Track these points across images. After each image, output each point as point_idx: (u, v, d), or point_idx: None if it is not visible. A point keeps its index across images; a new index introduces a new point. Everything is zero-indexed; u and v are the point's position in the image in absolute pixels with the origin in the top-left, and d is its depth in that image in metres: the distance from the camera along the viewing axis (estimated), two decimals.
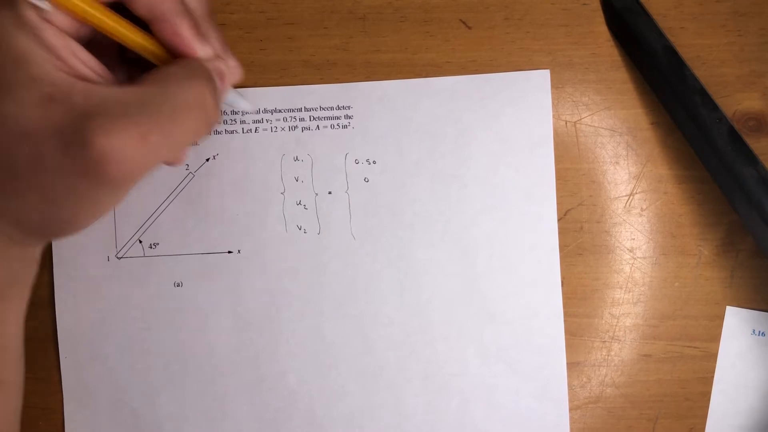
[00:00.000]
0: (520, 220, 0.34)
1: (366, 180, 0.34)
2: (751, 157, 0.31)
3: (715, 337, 0.35)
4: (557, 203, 0.34)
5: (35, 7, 0.23)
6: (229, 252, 0.34)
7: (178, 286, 0.34)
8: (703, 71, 0.34)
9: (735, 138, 0.32)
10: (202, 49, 0.26)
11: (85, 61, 0.24)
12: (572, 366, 0.35)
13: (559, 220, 0.34)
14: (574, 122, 0.35)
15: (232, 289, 0.34)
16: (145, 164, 0.23)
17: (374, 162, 0.34)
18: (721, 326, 0.35)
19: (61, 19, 0.23)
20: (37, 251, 0.27)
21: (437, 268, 0.34)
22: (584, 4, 0.35)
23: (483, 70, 0.35)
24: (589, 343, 0.35)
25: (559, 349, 0.34)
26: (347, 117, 0.34)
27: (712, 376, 0.35)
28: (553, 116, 0.34)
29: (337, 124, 0.34)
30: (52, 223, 0.25)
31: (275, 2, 0.35)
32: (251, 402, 0.34)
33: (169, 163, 0.28)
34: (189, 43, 0.25)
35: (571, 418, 0.34)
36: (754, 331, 0.34)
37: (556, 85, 0.35)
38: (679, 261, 0.35)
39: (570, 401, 0.34)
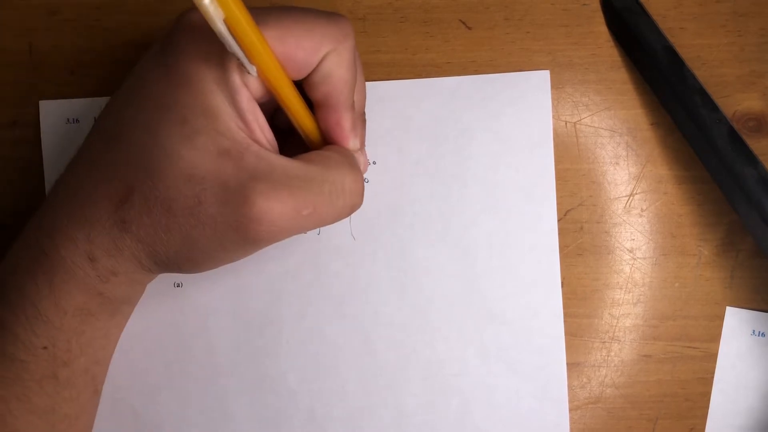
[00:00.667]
0: (520, 220, 0.34)
1: (366, 180, 0.34)
2: (751, 157, 0.31)
3: (715, 338, 0.35)
4: (557, 203, 0.34)
5: (241, 71, 0.24)
6: None
7: (178, 286, 0.34)
8: (703, 71, 0.34)
9: (735, 138, 0.32)
10: (353, 142, 0.28)
11: (263, 128, 0.26)
12: (572, 366, 0.35)
13: (559, 220, 0.34)
14: (574, 122, 0.35)
15: (232, 289, 0.34)
16: (289, 232, 0.25)
17: (374, 162, 0.34)
18: (721, 326, 0.35)
19: (255, 86, 0.25)
20: (153, 278, 0.29)
21: (437, 268, 0.34)
22: (584, 4, 0.35)
23: (483, 70, 0.35)
24: (589, 343, 0.35)
25: (559, 349, 0.34)
26: None
27: (712, 377, 0.35)
28: (553, 116, 0.35)
29: None
30: (183, 262, 0.27)
31: (275, 2, 0.35)
32: (251, 402, 0.34)
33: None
34: (346, 135, 0.28)
35: (571, 419, 0.34)
36: (754, 331, 0.34)
37: (556, 85, 0.35)
38: (679, 261, 0.35)
39: (570, 401, 0.34)
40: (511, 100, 0.34)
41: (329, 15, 0.26)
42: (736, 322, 0.34)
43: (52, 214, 0.27)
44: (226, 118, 0.24)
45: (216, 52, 0.24)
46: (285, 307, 0.34)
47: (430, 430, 0.34)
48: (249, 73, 0.24)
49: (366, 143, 0.34)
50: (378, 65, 0.35)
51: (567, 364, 0.34)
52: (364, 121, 0.31)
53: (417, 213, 0.34)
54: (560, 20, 0.35)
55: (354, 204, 0.27)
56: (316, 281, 0.34)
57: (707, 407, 0.35)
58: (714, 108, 0.32)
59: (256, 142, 0.25)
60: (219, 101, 0.24)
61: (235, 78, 0.24)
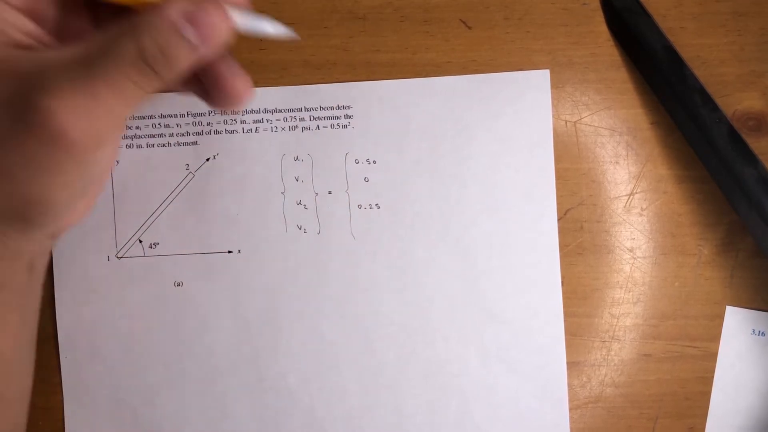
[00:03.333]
0: (520, 220, 0.34)
1: (366, 180, 0.34)
2: (751, 157, 0.31)
3: (715, 337, 0.35)
4: (557, 203, 0.34)
5: None
6: (229, 252, 0.34)
7: (178, 286, 0.34)
8: (703, 71, 0.34)
9: (735, 138, 0.32)
10: None
11: (22, 28, 0.23)
12: (572, 366, 0.35)
13: (559, 219, 0.34)
14: (574, 122, 0.35)
15: (232, 289, 0.34)
16: (102, 119, 0.22)
17: (374, 162, 0.34)
18: (721, 326, 0.35)
19: None
20: (24, 250, 0.26)
21: (437, 268, 0.34)
22: (584, 3, 0.35)
23: (483, 69, 0.35)
24: (589, 342, 0.35)
25: (559, 348, 0.34)
26: (347, 117, 0.34)
27: (712, 376, 0.35)
28: (553, 116, 0.34)
29: (337, 124, 0.34)
30: (24, 206, 0.24)
31: (275, 2, 0.35)
32: (251, 402, 0.34)
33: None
34: None
35: (571, 418, 0.34)
36: (753, 330, 0.34)
37: (556, 84, 0.35)
38: (679, 261, 0.35)
39: (570, 401, 0.34)
40: (511, 99, 0.34)
41: None
42: (736, 322, 0.34)
43: None
44: None
45: None
46: (285, 307, 0.34)
47: (430, 430, 0.34)
48: None
49: (366, 142, 0.34)
50: (378, 65, 0.35)
51: (567, 363, 0.34)
52: None
53: (417, 213, 0.34)
54: (560, 20, 0.35)
55: (150, 71, 0.23)
56: (316, 281, 0.34)
57: (707, 406, 0.35)
58: (714, 107, 0.32)
59: (20, 46, 0.23)
60: None
61: None
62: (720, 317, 0.35)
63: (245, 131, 0.34)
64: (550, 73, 0.34)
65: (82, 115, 0.21)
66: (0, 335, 0.26)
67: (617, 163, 0.35)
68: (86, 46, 0.22)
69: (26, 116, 0.21)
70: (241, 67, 0.26)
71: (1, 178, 0.23)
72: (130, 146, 0.35)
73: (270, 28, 0.26)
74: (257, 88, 0.34)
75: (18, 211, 0.24)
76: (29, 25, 0.23)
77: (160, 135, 0.35)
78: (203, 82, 0.26)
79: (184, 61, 0.23)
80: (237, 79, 0.26)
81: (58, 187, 0.23)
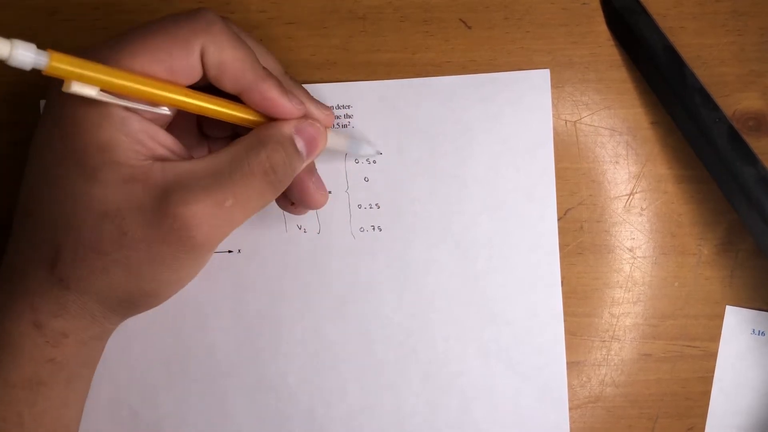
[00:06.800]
0: (520, 220, 0.34)
1: (366, 180, 0.34)
2: (751, 157, 0.31)
3: (715, 337, 0.35)
4: (557, 203, 0.34)
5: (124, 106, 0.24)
6: (229, 252, 0.34)
7: None
8: (703, 71, 0.34)
9: (735, 138, 0.32)
10: (293, 106, 0.27)
11: (164, 143, 0.26)
12: (572, 366, 0.35)
13: (559, 219, 0.34)
14: (574, 122, 0.35)
15: (232, 289, 0.34)
16: (224, 227, 0.25)
17: (374, 162, 0.34)
18: (720, 326, 0.35)
19: (144, 108, 0.25)
20: (112, 330, 0.29)
21: (437, 268, 0.34)
22: (584, 3, 0.35)
23: (483, 69, 0.35)
24: (589, 342, 0.35)
25: (559, 348, 0.34)
26: (347, 117, 0.34)
27: (712, 376, 0.35)
28: (553, 116, 0.34)
29: (337, 124, 0.34)
30: (137, 297, 0.26)
31: (275, 2, 0.35)
32: (251, 402, 0.34)
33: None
34: (281, 103, 0.27)
35: (571, 418, 0.34)
36: (753, 330, 0.34)
37: (556, 84, 0.35)
38: (679, 261, 0.35)
39: (570, 401, 0.34)
40: (511, 99, 0.34)
41: (185, 15, 0.26)
42: (736, 322, 0.34)
43: None
44: (122, 146, 0.24)
45: None
46: (285, 307, 0.34)
47: (430, 430, 0.34)
48: (158, 112, 0.25)
49: (365, 142, 0.34)
50: (378, 65, 0.35)
51: (567, 363, 0.34)
52: (295, 82, 0.30)
53: (417, 213, 0.34)
54: (560, 19, 0.35)
55: (274, 181, 0.27)
56: (316, 281, 0.34)
57: (707, 406, 0.35)
58: (714, 107, 0.32)
59: (161, 158, 0.25)
60: (110, 133, 0.24)
61: (118, 111, 0.24)
62: (720, 317, 0.35)
63: None
64: (550, 73, 0.34)
65: (210, 222, 0.25)
66: (74, 409, 0.29)
67: (617, 162, 0.35)
68: (217, 160, 0.26)
69: (163, 223, 0.24)
70: (321, 180, 0.30)
71: (127, 273, 0.25)
72: None
73: (351, 143, 0.32)
74: None
75: (131, 301, 0.26)
76: (170, 141, 0.26)
77: None
78: (286, 191, 0.29)
79: (297, 171, 0.28)
80: (320, 192, 0.30)
81: (173, 282, 0.27)
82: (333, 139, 0.30)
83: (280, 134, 0.27)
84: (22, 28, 0.34)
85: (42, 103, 0.34)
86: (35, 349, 0.26)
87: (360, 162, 0.34)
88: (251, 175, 0.26)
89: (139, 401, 0.34)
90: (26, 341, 0.26)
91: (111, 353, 0.34)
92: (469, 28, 0.35)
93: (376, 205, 0.34)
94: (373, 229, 0.34)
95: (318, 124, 0.28)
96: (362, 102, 0.34)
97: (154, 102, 0.25)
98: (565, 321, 0.34)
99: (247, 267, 0.34)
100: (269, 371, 0.34)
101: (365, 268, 0.34)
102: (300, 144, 0.28)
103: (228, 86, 0.26)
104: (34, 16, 0.34)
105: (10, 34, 0.21)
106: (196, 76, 0.26)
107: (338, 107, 0.34)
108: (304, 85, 0.34)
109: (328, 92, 0.34)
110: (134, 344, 0.34)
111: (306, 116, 0.28)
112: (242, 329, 0.34)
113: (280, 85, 0.27)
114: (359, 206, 0.34)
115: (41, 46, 0.21)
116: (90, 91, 0.23)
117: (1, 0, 0.34)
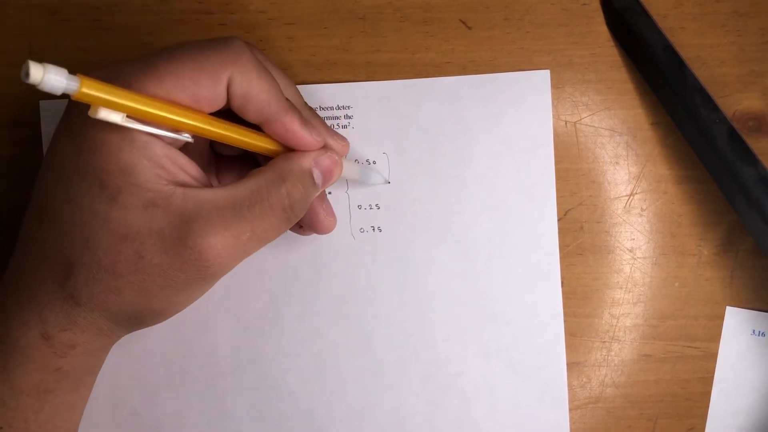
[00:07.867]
0: (520, 220, 0.34)
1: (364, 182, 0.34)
2: (751, 157, 0.31)
3: (715, 337, 0.35)
4: (557, 203, 0.34)
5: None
6: None
7: None
8: (703, 71, 0.34)
9: (735, 138, 0.32)
10: (310, 137, 0.28)
11: (184, 168, 0.26)
12: (572, 366, 0.35)
13: (559, 220, 0.34)
14: (574, 122, 0.35)
15: (232, 289, 0.34)
16: (239, 257, 0.26)
17: (374, 162, 0.34)
18: (721, 326, 0.35)
19: (166, 134, 0.25)
20: (117, 340, 0.29)
21: (437, 268, 0.34)
22: (584, 4, 0.35)
23: (483, 70, 0.35)
24: (589, 343, 0.35)
25: (559, 348, 0.34)
26: (347, 117, 0.34)
27: (712, 376, 0.35)
28: (553, 116, 0.34)
29: (337, 124, 0.34)
30: (144, 316, 0.27)
31: (275, 2, 0.35)
32: (251, 402, 0.34)
33: None
34: (301, 135, 0.27)
35: (571, 418, 0.34)
36: (754, 331, 0.34)
37: (556, 85, 0.35)
38: (679, 261, 0.35)
39: (570, 401, 0.34)
40: (511, 99, 0.34)
41: (214, 42, 0.26)
42: (736, 322, 0.34)
43: (2, 298, 0.27)
44: (143, 170, 0.24)
45: None
46: (285, 307, 0.34)
47: (430, 430, 0.34)
48: (180, 138, 0.25)
49: (366, 142, 0.34)
50: (378, 65, 0.35)
51: (567, 363, 0.34)
52: (313, 112, 0.30)
53: (417, 213, 0.34)
54: (560, 20, 0.35)
55: (290, 216, 0.27)
56: (316, 281, 0.34)
57: (707, 407, 0.35)
58: (714, 108, 0.32)
59: (181, 184, 0.25)
60: (132, 157, 0.24)
61: (141, 135, 0.25)
62: (720, 317, 0.35)
63: None
64: (550, 73, 0.34)
65: (226, 252, 0.25)
66: (76, 414, 0.29)
67: (617, 163, 0.35)
68: (237, 192, 0.26)
69: (181, 252, 0.24)
70: (331, 206, 0.31)
71: (139, 294, 0.26)
72: None
73: (362, 172, 0.33)
74: None
75: (140, 318, 0.27)
76: (190, 166, 0.26)
77: None
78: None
79: (311, 200, 0.29)
80: (329, 219, 0.31)
81: (182, 302, 0.28)
82: (347, 169, 0.31)
83: (300, 169, 0.28)
84: (22, 27, 0.34)
85: (42, 103, 0.34)
86: (42, 359, 0.26)
87: (360, 162, 0.34)
88: (270, 210, 0.26)
89: (139, 401, 0.34)
90: (34, 351, 0.26)
91: (112, 353, 0.34)
92: (469, 28, 0.35)
93: (376, 205, 0.34)
94: (373, 229, 0.34)
95: (335, 156, 0.29)
96: (362, 102, 0.34)
97: (177, 129, 0.25)
98: (565, 321, 0.34)
99: (247, 267, 0.34)
100: (269, 371, 0.34)
101: (365, 269, 0.34)
102: (317, 175, 0.28)
103: (251, 117, 0.27)
104: (34, 16, 0.34)
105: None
106: (220, 104, 0.26)
107: (338, 108, 0.34)
108: (304, 86, 0.35)
109: (328, 92, 0.34)
110: (135, 344, 0.34)
111: (324, 147, 0.29)
112: (242, 329, 0.34)
113: (301, 117, 0.27)
114: (359, 207, 0.34)
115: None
116: (116, 117, 0.23)
117: (1, 0, 0.34)
